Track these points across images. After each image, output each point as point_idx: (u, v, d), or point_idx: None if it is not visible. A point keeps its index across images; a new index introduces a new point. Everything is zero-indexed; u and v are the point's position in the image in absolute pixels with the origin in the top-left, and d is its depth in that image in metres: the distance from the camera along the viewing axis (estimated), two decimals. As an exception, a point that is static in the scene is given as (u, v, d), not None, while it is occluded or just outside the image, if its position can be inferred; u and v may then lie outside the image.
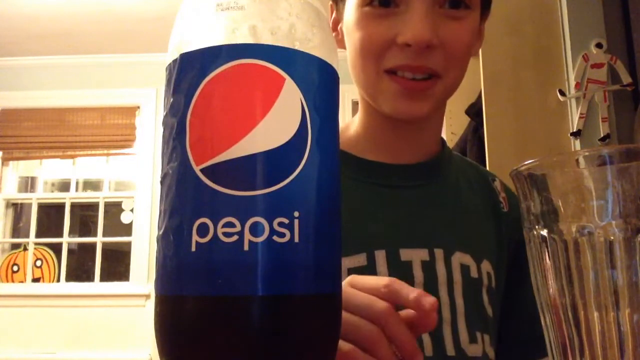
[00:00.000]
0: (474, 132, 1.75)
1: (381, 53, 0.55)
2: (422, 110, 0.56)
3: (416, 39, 0.52)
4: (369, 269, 0.53)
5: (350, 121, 0.66)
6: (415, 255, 0.55)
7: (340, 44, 0.61)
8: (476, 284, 0.58)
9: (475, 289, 0.58)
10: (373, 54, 0.55)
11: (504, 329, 0.63)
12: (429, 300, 0.35)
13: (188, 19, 0.25)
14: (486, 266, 0.60)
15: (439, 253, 0.57)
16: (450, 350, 0.53)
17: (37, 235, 3.71)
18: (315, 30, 0.26)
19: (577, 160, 0.30)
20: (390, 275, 0.53)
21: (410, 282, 0.54)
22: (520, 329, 0.63)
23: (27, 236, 3.71)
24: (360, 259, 0.53)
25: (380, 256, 0.54)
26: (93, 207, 3.80)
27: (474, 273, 0.58)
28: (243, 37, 0.24)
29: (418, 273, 0.55)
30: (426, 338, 0.53)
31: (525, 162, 0.29)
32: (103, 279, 3.59)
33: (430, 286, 0.55)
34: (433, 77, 0.55)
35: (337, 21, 0.63)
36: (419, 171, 0.62)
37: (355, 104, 3.19)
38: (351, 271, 0.52)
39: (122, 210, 3.78)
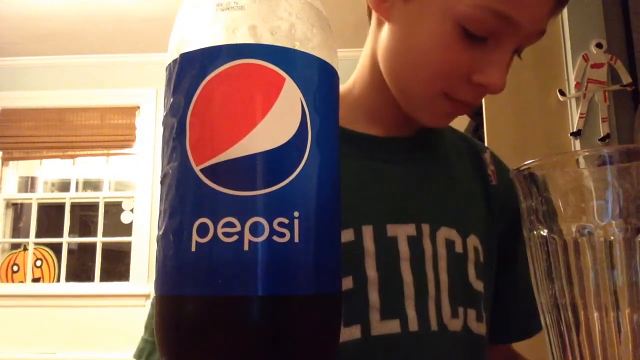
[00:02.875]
0: (474, 132, 1.75)
1: (451, 82, 0.53)
2: (448, 123, 0.59)
3: (497, 87, 0.52)
4: (356, 245, 0.53)
5: (343, 89, 0.63)
6: (401, 231, 0.55)
7: (385, 12, 0.55)
8: (460, 259, 0.58)
9: (460, 264, 0.57)
10: (442, 80, 0.53)
11: (501, 302, 0.63)
12: None
13: (188, 19, 0.25)
14: (473, 241, 0.59)
15: (425, 228, 0.56)
16: (434, 326, 0.53)
17: (37, 235, 3.71)
18: (315, 30, 0.26)
19: (577, 160, 0.30)
20: (376, 250, 0.53)
21: (396, 257, 0.54)
22: (520, 302, 0.63)
23: (27, 236, 3.71)
24: (347, 234, 0.53)
25: (367, 232, 0.54)
26: (93, 207, 3.80)
27: (458, 248, 0.58)
28: (243, 37, 0.24)
29: (404, 248, 0.54)
30: (412, 313, 0.53)
31: (525, 162, 0.29)
32: (103, 279, 3.59)
33: (416, 262, 0.54)
34: None
35: None
36: (409, 144, 0.62)
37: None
38: None
39: (122, 210, 3.78)
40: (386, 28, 0.56)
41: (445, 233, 0.57)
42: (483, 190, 0.65)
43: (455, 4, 0.49)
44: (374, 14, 0.59)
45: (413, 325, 0.52)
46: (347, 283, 0.51)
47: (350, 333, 0.50)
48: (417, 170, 0.60)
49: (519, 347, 0.74)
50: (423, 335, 0.53)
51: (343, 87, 0.64)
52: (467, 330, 0.56)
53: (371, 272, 0.52)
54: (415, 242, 0.55)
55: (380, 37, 0.57)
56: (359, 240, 0.53)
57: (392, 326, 0.52)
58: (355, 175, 0.56)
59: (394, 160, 0.60)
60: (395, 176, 0.59)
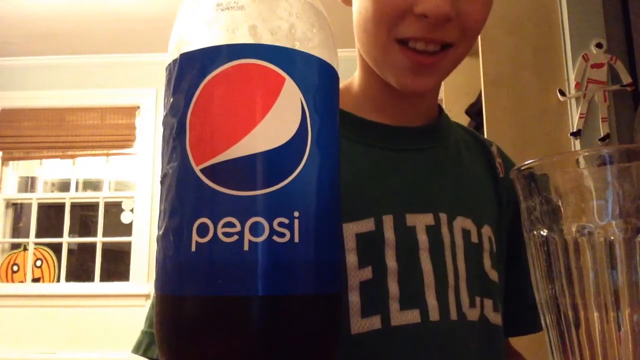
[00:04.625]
0: (474, 132, 1.75)
1: (395, 22, 0.52)
2: (427, 85, 0.56)
3: (435, 10, 0.50)
4: (377, 234, 0.53)
5: (349, 81, 0.64)
6: (420, 220, 0.55)
7: (347, 1, 0.59)
8: (477, 248, 0.58)
9: (476, 253, 0.57)
10: (386, 23, 0.52)
11: (509, 294, 0.63)
12: None
13: (188, 19, 0.25)
14: (487, 231, 0.59)
15: (443, 217, 0.56)
16: (454, 315, 0.53)
17: (37, 235, 3.71)
18: (315, 30, 0.26)
19: (577, 160, 0.30)
20: (396, 240, 0.53)
21: (415, 247, 0.54)
22: (530, 293, 0.63)
23: (27, 236, 3.71)
24: (368, 224, 0.53)
25: (388, 221, 0.53)
26: (93, 207, 3.80)
27: (474, 238, 0.58)
28: (243, 37, 0.24)
29: (422, 237, 0.54)
30: (432, 302, 0.52)
31: (525, 162, 0.29)
32: (103, 279, 3.59)
33: (435, 251, 0.54)
34: (445, 48, 0.54)
35: None
36: (421, 134, 0.62)
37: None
38: (359, 236, 0.52)
39: (122, 210, 3.78)
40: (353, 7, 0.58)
41: (461, 222, 0.57)
42: (492, 182, 0.65)
43: None
44: None
45: (434, 314, 0.52)
46: (367, 273, 0.51)
47: (370, 323, 0.50)
48: (429, 160, 0.60)
49: (519, 347, 0.74)
50: (443, 325, 0.52)
51: (346, 80, 0.64)
52: (485, 320, 0.56)
53: (391, 262, 0.52)
54: (433, 232, 0.55)
55: None
56: (379, 230, 0.53)
57: (412, 316, 0.52)
58: (371, 164, 0.57)
59: (406, 149, 0.59)
60: (409, 165, 0.59)
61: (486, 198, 0.63)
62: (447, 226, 0.56)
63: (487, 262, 0.58)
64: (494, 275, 0.58)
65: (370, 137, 0.58)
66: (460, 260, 0.55)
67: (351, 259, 0.51)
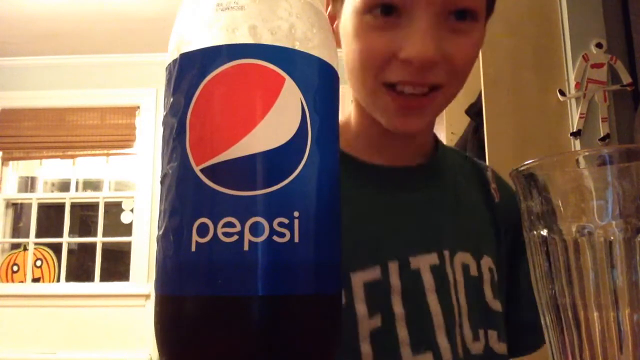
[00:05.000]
0: (474, 132, 1.75)
1: (381, 67, 0.52)
2: (418, 126, 0.55)
3: (419, 56, 0.49)
4: (384, 282, 0.53)
5: (346, 119, 0.64)
6: (424, 262, 0.55)
7: (337, 43, 0.59)
8: (476, 281, 0.58)
9: (476, 287, 0.58)
10: (372, 68, 0.52)
11: (509, 315, 0.63)
12: None
13: (188, 19, 0.25)
14: (487, 262, 0.59)
15: (446, 254, 0.56)
16: (460, 352, 0.54)
17: (37, 235, 3.71)
18: (315, 30, 0.26)
19: (577, 160, 0.30)
20: (402, 285, 0.53)
21: (422, 289, 0.54)
22: (527, 315, 0.64)
23: (27, 236, 3.71)
24: (375, 272, 0.53)
25: (393, 267, 0.54)
26: (93, 207, 3.80)
27: (473, 271, 0.58)
28: (243, 37, 0.24)
29: (427, 278, 0.54)
30: (444, 344, 0.53)
31: (525, 162, 0.29)
32: (103, 279, 3.60)
33: (442, 291, 0.54)
34: (434, 90, 0.53)
35: (332, 17, 0.59)
36: (419, 174, 0.62)
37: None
38: (367, 285, 0.52)
39: (122, 210, 3.78)
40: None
41: (461, 258, 0.57)
42: (489, 210, 0.65)
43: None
44: None
45: (447, 355, 0.52)
46: (377, 321, 0.51)
47: None
48: (427, 198, 0.60)
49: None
50: None
51: (342, 118, 0.64)
52: (490, 351, 0.56)
53: (398, 308, 0.52)
54: (438, 271, 0.55)
55: None
56: (385, 278, 0.53)
57: (426, 359, 0.52)
58: (372, 208, 0.57)
59: (403, 190, 0.59)
60: (407, 206, 0.58)
61: (485, 228, 0.63)
62: (450, 263, 0.56)
63: (488, 293, 0.58)
64: (496, 305, 0.59)
65: (366, 179, 0.58)
66: (461, 295, 0.56)
67: (361, 308, 0.51)
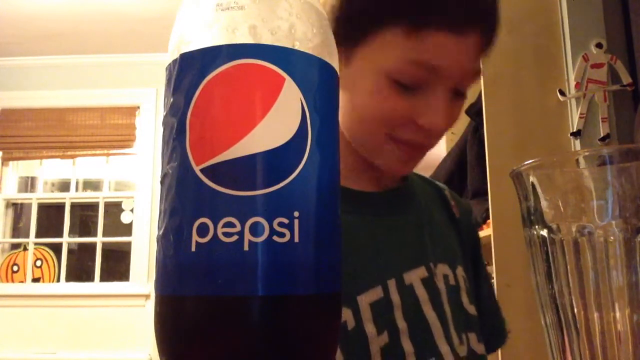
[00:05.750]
0: (474, 132, 1.75)
1: (397, 126, 0.56)
2: (411, 169, 0.63)
3: (438, 127, 0.56)
4: (386, 299, 0.57)
5: None
6: (415, 276, 0.60)
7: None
8: (455, 290, 0.64)
9: (455, 294, 0.63)
10: (386, 126, 0.57)
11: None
12: None
13: (188, 19, 0.25)
14: (460, 271, 0.66)
15: (432, 267, 0.62)
16: (458, 354, 0.58)
17: (37, 235, 3.71)
18: (315, 30, 0.26)
19: (577, 160, 0.30)
20: (401, 301, 0.57)
21: (417, 302, 0.58)
22: (487, 321, 0.70)
23: (27, 236, 3.71)
24: (378, 292, 0.57)
25: (392, 285, 0.58)
26: (93, 207, 3.80)
27: (452, 281, 0.64)
28: (243, 37, 0.24)
29: (421, 291, 0.59)
30: (445, 349, 0.57)
31: (525, 162, 0.29)
32: (103, 279, 3.60)
33: (436, 301, 0.60)
34: None
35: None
36: (390, 197, 0.67)
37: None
38: (373, 305, 0.56)
39: (122, 210, 3.78)
40: (340, 94, 0.61)
41: (441, 269, 0.63)
42: (453, 225, 0.72)
43: (384, 61, 0.54)
44: None
45: (448, 358, 0.57)
46: (384, 338, 0.55)
47: None
48: (405, 218, 0.66)
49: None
50: None
51: None
52: (472, 352, 0.61)
53: (400, 322, 0.56)
54: (429, 283, 0.60)
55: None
56: (387, 295, 0.57)
57: None
58: (366, 233, 0.61)
59: (387, 213, 0.65)
60: (393, 227, 0.64)
61: (453, 242, 0.70)
62: (435, 274, 0.62)
63: (465, 300, 0.64)
64: (472, 309, 0.65)
65: (358, 206, 0.62)
66: (445, 304, 0.61)
67: (370, 328, 0.54)
